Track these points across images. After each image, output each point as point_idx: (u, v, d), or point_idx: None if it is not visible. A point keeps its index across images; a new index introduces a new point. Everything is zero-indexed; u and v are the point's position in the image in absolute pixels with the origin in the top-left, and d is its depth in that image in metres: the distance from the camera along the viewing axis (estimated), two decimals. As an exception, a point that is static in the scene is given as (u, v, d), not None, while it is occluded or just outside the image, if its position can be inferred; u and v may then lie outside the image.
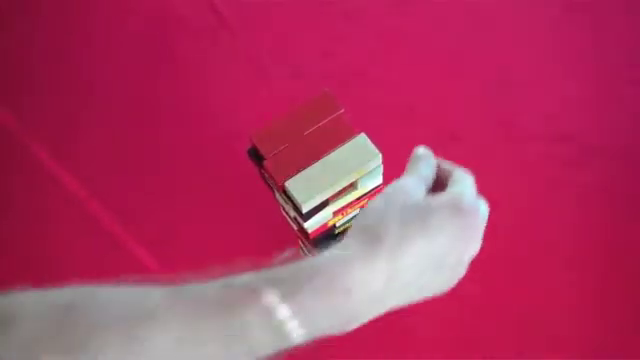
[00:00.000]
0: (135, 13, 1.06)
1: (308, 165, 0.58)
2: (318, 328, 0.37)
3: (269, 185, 0.64)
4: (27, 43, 1.05)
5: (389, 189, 0.43)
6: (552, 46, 0.99)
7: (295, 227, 0.67)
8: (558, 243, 0.85)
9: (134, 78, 1.01)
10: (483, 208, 0.43)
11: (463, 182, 0.44)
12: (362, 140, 0.59)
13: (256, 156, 0.60)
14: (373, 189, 0.62)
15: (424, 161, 0.46)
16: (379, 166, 0.59)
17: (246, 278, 0.37)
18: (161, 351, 0.34)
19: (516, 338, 0.79)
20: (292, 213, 0.62)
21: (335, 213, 0.62)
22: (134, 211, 0.89)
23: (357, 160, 0.58)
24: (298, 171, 0.58)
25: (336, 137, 0.59)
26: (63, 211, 0.90)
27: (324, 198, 0.59)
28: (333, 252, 0.38)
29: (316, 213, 0.60)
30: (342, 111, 0.60)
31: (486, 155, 0.89)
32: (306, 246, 0.71)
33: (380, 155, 0.58)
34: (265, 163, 0.59)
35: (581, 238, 0.85)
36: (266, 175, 0.61)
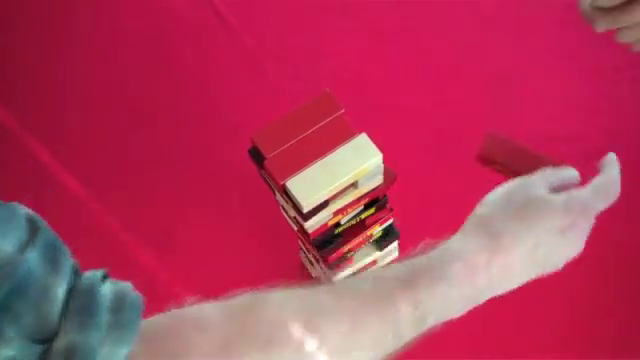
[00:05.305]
0: (135, 13, 1.06)
1: (309, 165, 0.58)
2: (447, 314, 0.44)
3: (269, 185, 0.63)
4: (27, 43, 1.05)
5: (514, 183, 0.47)
6: (552, 46, 0.99)
7: (295, 227, 0.67)
8: (558, 243, 0.85)
9: (134, 78, 1.00)
10: (591, 217, 0.48)
11: (596, 187, 0.48)
12: (363, 140, 0.59)
13: (257, 156, 0.60)
14: (373, 189, 0.62)
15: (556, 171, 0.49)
16: (380, 166, 0.59)
17: (392, 271, 0.43)
18: (335, 337, 0.39)
19: (516, 338, 0.79)
20: (292, 213, 0.62)
21: (335, 213, 0.62)
22: (134, 211, 0.89)
23: (357, 160, 0.58)
24: (299, 171, 0.58)
25: (337, 137, 0.59)
26: (63, 211, 0.90)
27: (325, 198, 0.59)
28: (456, 245, 0.44)
29: (316, 213, 0.60)
30: (342, 111, 0.60)
31: (486, 155, 0.89)
32: (306, 246, 0.71)
33: (381, 155, 0.58)
34: (266, 163, 0.59)
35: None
36: (266, 175, 0.61)
